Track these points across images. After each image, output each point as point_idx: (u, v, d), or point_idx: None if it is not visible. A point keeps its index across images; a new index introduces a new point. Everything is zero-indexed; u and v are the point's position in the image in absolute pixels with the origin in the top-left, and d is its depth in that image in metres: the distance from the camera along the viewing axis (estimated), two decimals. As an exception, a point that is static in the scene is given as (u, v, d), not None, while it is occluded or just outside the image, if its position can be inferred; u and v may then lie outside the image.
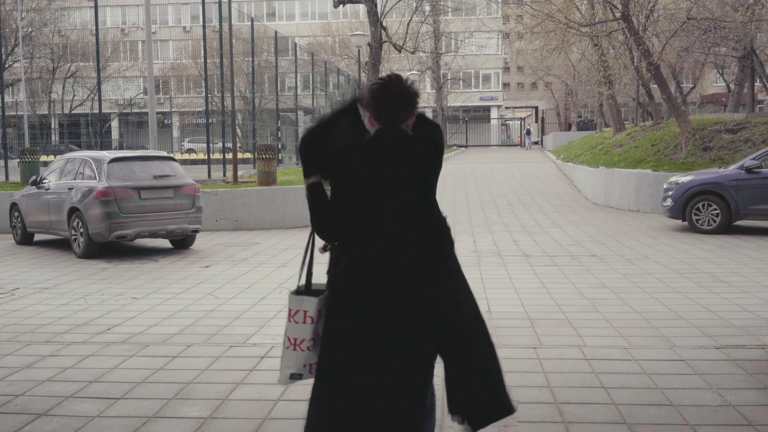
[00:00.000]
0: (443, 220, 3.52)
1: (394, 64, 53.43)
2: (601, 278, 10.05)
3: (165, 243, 14.22)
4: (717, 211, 14.44)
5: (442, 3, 44.18)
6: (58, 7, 50.70)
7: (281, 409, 5.18)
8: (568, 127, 70.44)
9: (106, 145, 44.06)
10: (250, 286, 9.90)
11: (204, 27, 23.25)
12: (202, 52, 26.54)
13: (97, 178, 12.61)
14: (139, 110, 58.35)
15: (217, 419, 5.03)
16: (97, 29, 22.73)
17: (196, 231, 13.49)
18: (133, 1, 58.66)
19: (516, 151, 53.85)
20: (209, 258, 12.54)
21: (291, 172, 23.04)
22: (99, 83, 24.22)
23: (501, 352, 6.46)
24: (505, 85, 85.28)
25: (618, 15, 22.28)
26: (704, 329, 7.17)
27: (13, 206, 14.90)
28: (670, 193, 15.05)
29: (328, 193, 3.43)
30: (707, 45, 34.43)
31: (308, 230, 3.62)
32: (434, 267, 3.38)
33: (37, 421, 5.04)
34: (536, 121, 74.52)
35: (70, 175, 13.37)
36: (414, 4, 39.12)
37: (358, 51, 36.67)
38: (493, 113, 73.20)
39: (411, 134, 3.37)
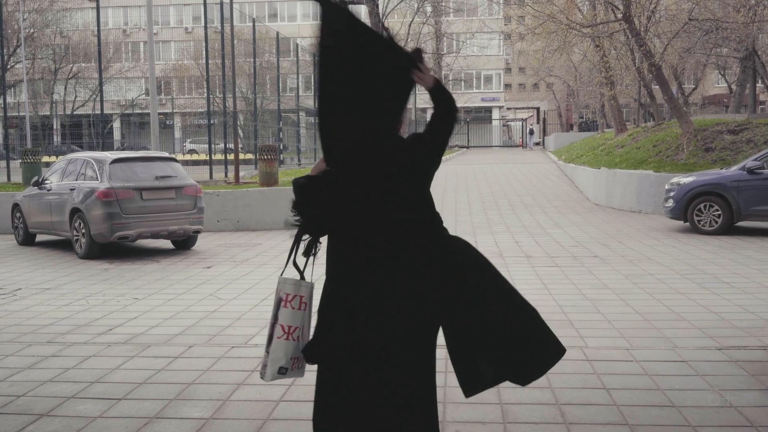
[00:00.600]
0: (437, 216, 3.62)
1: (395, 64, 53.40)
2: (602, 279, 10.05)
3: (167, 244, 14.23)
4: (719, 212, 14.42)
5: (443, 4, 44.20)
6: (60, 8, 50.75)
7: (282, 409, 5.18)
8: (570, 128, 70.45)
9: (107, 146, 44.12)
10: (252, 286, 9.90)
11: (206, 28, 23.25)
12: (204, 52, 26.56)
13: (99, 178, 12.62)
14: (140, 111, 58.41)
15: (219, 420, 5.03)
16: (99, 30, 22.77)
17: (197, 232, 13.50)
18: (135, 2, 58.70)
19: (518, 151, 53.84)
20: (211, 259, 12.55)
21: (293, 173, 23.04)
22: (101, 84, 24.27)
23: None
24: (507, 86, 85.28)
25: (619, 16, 22.28)
26: (706, 330, 7.17)
27: (15, 207, 14.91)
28: (672, 194, 15.04)
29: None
30: (709, 46, 34.40)
31: None
32: (426, 263, 3.42)
33: (39, 421, 5.04)
34: (538, 122, 74.51)
35: (72, 175, 13.38)
36: (415, 5, 39.16)
37: (360, 52, 36.61)
38: (495, 114, 73.19)
39: (400, 137, 3.50)
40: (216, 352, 6.66)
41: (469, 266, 3.52)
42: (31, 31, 45.54)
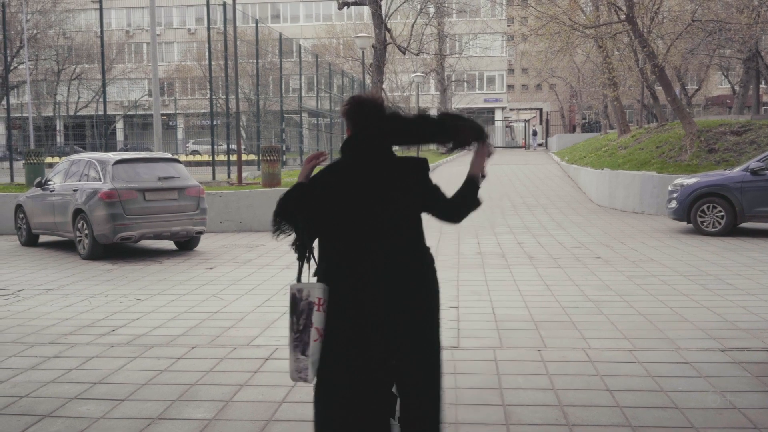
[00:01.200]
0: (427, 250, 3.77)
1: (398, 65, 53.47)
2: (605, 280, 10.04)
3: (169, 245, 14.23)
4: (722, 213, 14.40)
5: (446, 5, 44.18)
6: (63, 9, 50.80)
7: (285, 410, 5.18)
8: (573, 129, 70.35)
9: (110, 147, 44.15)
10: (255, 287, 9.90)
11: (209, 29, 23.28)
12: (207, 54, 26.59)
13: (102, 179, 12.63)
14: (143, 112, 58.49)
15: (222, 421, 5.03)
16: (102, 31, 22.81)
17: (200, 232, 13.51)
18: (138, 3, 58.75)
19: (520, 152, 53.80)
20: (213, 259, 12.55)
21: (295, 174, 23.04)
22: (104, 85, 24.31)
23: (505, 354, 6.49)
24: (510, 86, 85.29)
25: (623, 17, 22.26)
26: (709, 332, 7.16)
27: (18, 208, 14.93)
28: (675, 195, 15.03)
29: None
30: (712, 47, 34.38)
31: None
32: (414, 283, 3.64)
33: (42, 422, 5.05)
34: (540, 123, 74.46)
35: (75, 176, 13.39)
36: (418, 6, 39.12)
37: (363, 53, 36.65)
38: (498, 115, 73.17)
39: (401, 157, 3.73)
40: (219, 353, 6.66)
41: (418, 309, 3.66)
42: (35, 32, 45.57)
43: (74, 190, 13.02)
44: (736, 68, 42.07)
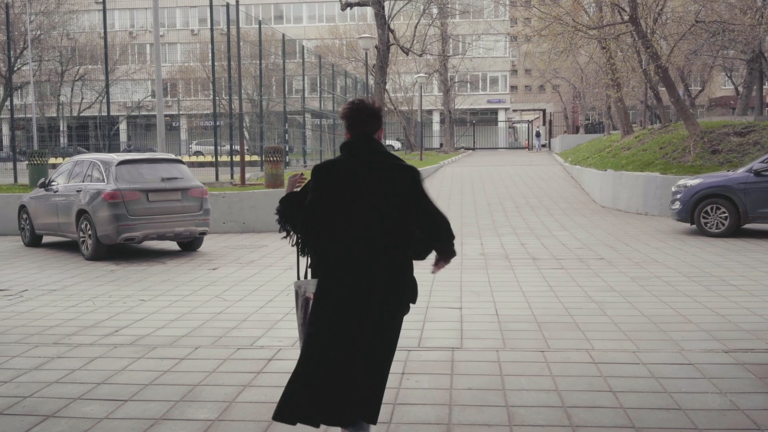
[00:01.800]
0: (409, 268, 4.17)
1: (401, 66, 53.47)
2: (609, 281, 10.03)
3: (173, 245, 14.24)
4: (725, 215, 14.39)
5: (449, 6, 44.21)
6: (66, 10, 50.85)
7: (288, 411, 5.18)
8: (576, 130, 70.33)
9: (114, 148, 44.18)
10: (258, 288, 9.91)
11: (212, 30, 23.29)
12: (210, 54, 26.60)
13: (106, 180, 12.65)
14: (147, 113, 58.52)
15: (225, 421, 5.03)
16: (105, 32, 22.84)
17: (203, 233, 13.52)
18: (142, 4, 58.74)
19: (523, 153, 53.79)
20: (217, 260, 12.56)
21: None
22: (107, 86, 24.34)
23: (508, 355, 6.49)
24: (513, 87, 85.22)
25: (626, 18, 22.23)
26: (713, 333, 7.15)
27: (22, 208, 14.95)
28: (679, 196, 15.01)
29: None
30: (716, 48, 34.35)
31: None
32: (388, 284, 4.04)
33: (45, 422, 5.05)
34: (544, 124, 74.45)
35: (79, 177, 13.41)
36: (421, 7, 39.17)
37: (366, 54, 36.69)
38: (501, 116, 73.18)
39: (397, 160, 4.10)
40: (222, 354, 6.66)
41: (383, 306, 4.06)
42: (38, 33, 45.64)
43: (78, 191, 13.03)
44: (740, 69, 42.04)
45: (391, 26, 30.38)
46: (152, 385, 5.81)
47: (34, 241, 14.72)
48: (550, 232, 15.80)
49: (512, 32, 65.18)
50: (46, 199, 14.03)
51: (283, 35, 30.48)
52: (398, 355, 4.71)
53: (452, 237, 4.18)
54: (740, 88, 41.41)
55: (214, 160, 24.27)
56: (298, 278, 4.27)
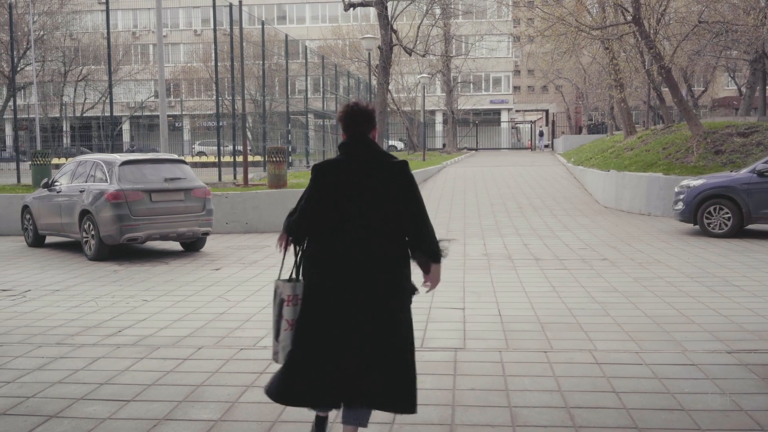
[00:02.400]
0: (406, 261, 4.30)
1: (404, 67, 53.48)
2: (612, 282, 10.02)
3: (175, 246, 14.25)
4: (728, 215, 14.37)
5: (452, 6, 44.17)
6: (69, 10, 50.91)
7: (291, 412, 5.17)
8: (579, 131, 70.34)
9: (117, 148, 44.25)
10: (260, 288, 9.91)
11: (215, 30, 23.30)
12: (213, 55, 26.59)
13: (109, 180, 12.66)
14: (150, 113, 58.60)
15: (228, 422, 5.04)
16: (108, 32, 22.82)
17: (206, 234, 13.53)
18: (145, 4, 58.81)
19: (526, 154, 53.76)
20: (219, 261, 12.57)
21: (301, 175, 23.06)
22: (110, 86, 24.34)
23: (511, 356, 6.48)
24: (516, 88, 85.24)
25: (629, 18, 22.23)
26: (716, 333, 7.14)
27: (25, 208, 14.97)
28: (682, 196, 15.00)
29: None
30: (719, 48, 34.28)
31: None
32: (387, 279, 4.19)
33: (48, 423, 5.06)
34: (546, 125, 74.42)
35: (82, 177, 13.42)
36: (424, 8, 39.15)
37: (369, 54, 36.70)
38: (504, 116, 73.12)
39: (390, 157, 4.28)
40: (225, 354, 6.66)
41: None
42: (41, 33, 45.68)
43: (81, 191, 13.04)
44: (743, 70, 41.94)
45: (394, 27, 30.31)
46: (155, 386, 5.82)
47: (37, 241, 14.74)
48: (552, 232, 15.79)
49: (515, 33, 65.05)
50: (49, 200, 14.05)
51: (286, 35, 30.49)
52: (401, 356, 4.70)
53: (434, 240, 4.28)
54: (743, 89, 41.31)
55: (216, 160, 24.28)
56: (279, 278, 4.43)
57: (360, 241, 4.14)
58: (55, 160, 29.77)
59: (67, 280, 10.74)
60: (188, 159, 32.16)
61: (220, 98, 26.76)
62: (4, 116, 46.85)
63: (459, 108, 60.04)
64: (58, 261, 12.77)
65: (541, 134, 61.82)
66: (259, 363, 6.35)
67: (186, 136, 60.42)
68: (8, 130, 54.24)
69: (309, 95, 34.17)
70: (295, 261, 4.41)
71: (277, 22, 66.85)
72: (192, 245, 13.78)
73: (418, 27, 35.78)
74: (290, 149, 29.80)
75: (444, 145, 62.24)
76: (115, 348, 6.95)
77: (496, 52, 68.31)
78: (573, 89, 61.81)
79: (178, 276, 11.05)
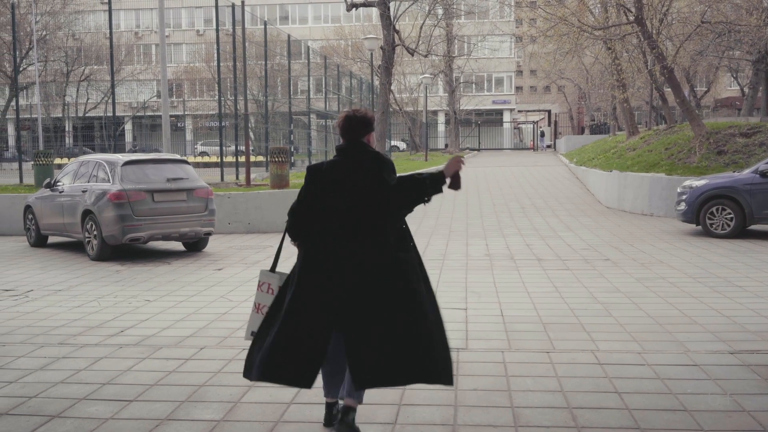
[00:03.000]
0: (405, 227, 4.62)
1: (406, 67, 53.45)
2: (614, 282, 10.02)
3: (178, 246, 14.26)
4: (731, 216, 14.36)
5: (455, 6, 44.17)
6: (72, 10, 50.95)
7: (294, 412, 5.18)
8: (581, 131, 70.27)
9: (119, 148, 44.23)
10: (263, 289, 9.89)
11: (217, 30, 23.32)
12: (216, 55, 26.61)
13: (111, 180, 12.67)
14: (152, 113, 58.66)
15: (230, 422, 5.04)
16: (111, 32, 22.84)
17: (208, 234, 13.53)
18: (147, 4, 58.83)
19: (529, 154, 53.75)
20: (222, 261, 12.57)
21: (303, 176, 23.02)
22: (113, 86, 24.36)
23: (513, 356, 6.48)
24: (518, 88, 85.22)
25: (631, 18, 22.21)
26: (718, 334, 7.14)
27: (27, 208, 14.98)
28: (684, 197, 14.99)
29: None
30: (721, 49, 34.27)
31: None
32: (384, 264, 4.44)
33: (51, 423, 5.06)
34: (549, 125, 74.39)
35: (84, 177, 13.43)
36: (427, 8, 39.13)
37: (371, 54, 36.71)
38: (506, 116, 73.10)
39: (379, 154, 4.57)
40: (227, 354, 6.67)
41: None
42: (44, 33, 45.71)
43: (83, 191, 13.06)
44: (746, 70, 41.90)
45: (397, 27, 30.28)
46: (157, 386, 5.82)
47: (39, 241, 14.76)
48: (555, 232, 15.79)
49: (517, 33, 65.11)
50: (51, 200, 14.06)
51: (289, 36, 30.51)
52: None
53: (417, 188, 4.58)
54: (746, 89, 41.28)
55: (219, 160, 24.30)
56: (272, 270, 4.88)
57: (350, 235, 4.43)
58: (57, 160, 29.82)
59: (70, 280, 10.75)
60: (191, 159, 32.14)
61: (222, 98, 26.79)
62: (7, 116, 46.90)
63: (461, 108, 60.01)
64: (61, 261, 12.78)
65: (542, 134, 61.75)
66: (262, 363, 6.34)
67: (188, 137, 60.39)
68: (11, 130, 54.28)
69: (311, 95, 34.20)
70: (276, 255, 4.90)
71: (279, 23, 66.87)
72: (194, 245, 13.79)
73: (421, 27, 35.75)
74: (292, 149, 29.82)
75: (446, 146, 62.24)
76: (117, 348, 6.95)
77: (499, 53, 68.32)
78: (575, 89, 61.73)
79: (181, 276, 11.06)
